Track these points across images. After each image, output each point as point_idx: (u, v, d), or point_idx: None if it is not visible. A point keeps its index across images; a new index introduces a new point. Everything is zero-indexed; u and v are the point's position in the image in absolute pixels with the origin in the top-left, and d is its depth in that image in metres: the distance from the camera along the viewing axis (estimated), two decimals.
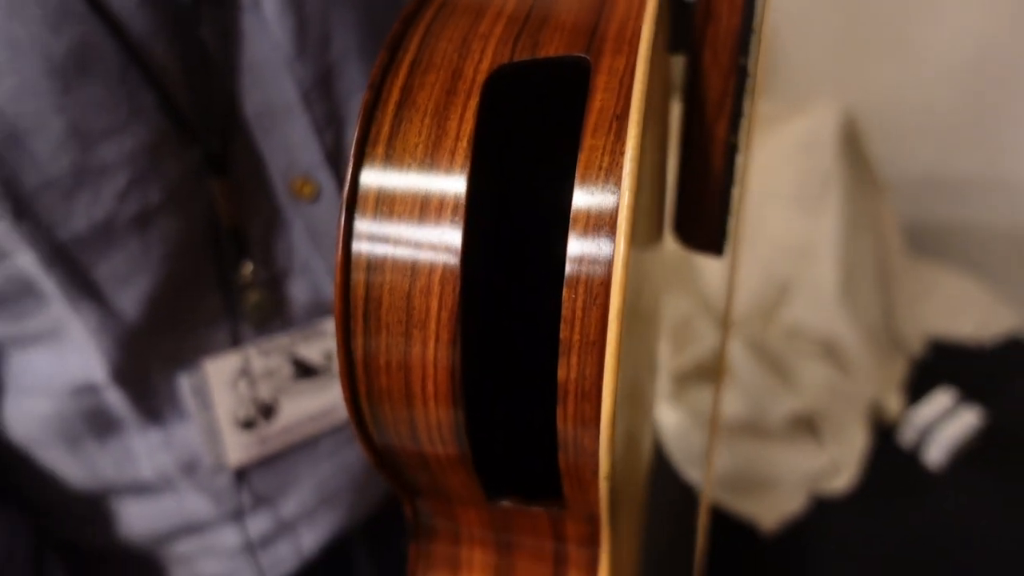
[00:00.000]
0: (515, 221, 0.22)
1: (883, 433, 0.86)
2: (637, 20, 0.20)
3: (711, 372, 0.90)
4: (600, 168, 0.18)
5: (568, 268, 0.17)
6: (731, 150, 0.28)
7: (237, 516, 0.42)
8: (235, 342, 0.38)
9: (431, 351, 0.19)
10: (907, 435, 0.85)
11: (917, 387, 0.91)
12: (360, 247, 0.20)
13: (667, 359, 0.90)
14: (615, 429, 0.18)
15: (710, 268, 1.03)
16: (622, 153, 0.17)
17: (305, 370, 0.41)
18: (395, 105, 0.21)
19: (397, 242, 0.19)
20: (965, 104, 0.98)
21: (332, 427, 0.44)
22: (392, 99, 0.21)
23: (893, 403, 0.88)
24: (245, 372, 0.38)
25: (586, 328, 0.17)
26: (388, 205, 0.20)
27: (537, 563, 0.25)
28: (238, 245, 0.36)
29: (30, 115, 0.29)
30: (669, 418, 0.84)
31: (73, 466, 0.38)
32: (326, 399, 0.42)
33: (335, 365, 0.40)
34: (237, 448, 0.39)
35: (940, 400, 0.87)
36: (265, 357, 0.39)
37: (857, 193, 0.90)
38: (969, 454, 0.84)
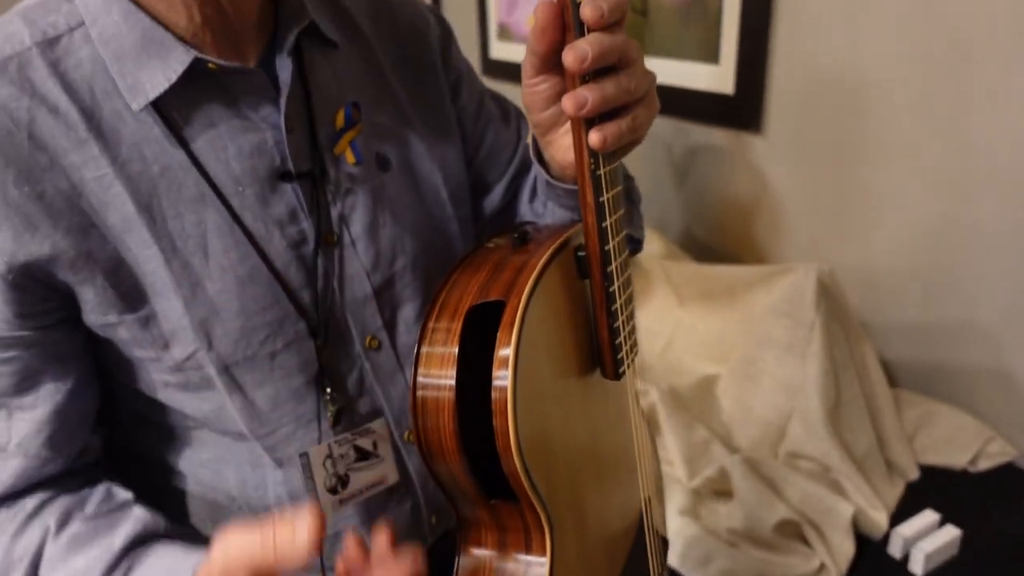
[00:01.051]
0: (482, 364, 0.46)
1: (876, 544, 1.00)
2: (528, 279, 0.45)
3: (722, 492, 1.07)
4: (504, 343, 0.42)
5: (494, 380, 0.41)
6: (612, 328, 0.51)
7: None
8: (321, 438, 0.61)
9: (444, 420, 0.43)
10: (895, 547, 0.98)
11: (910, 505, 1.04)
12: (419, 378, 0.44)
13: (683, 478, 1.08)
14: (520, 450, 0.41)
15: (727, 403, 1.21)
16: (510, 337, 0.41)
17: (363, 454, 0.64)
18: (433, 322, 0.46)
19: (432, 375, 0.44)
20: (934, 263, 1.16)
21: (381, 492, 0.65)
22: (431, 321, 0.46)
23: (883, 519, 1.01)
24: (330, 456, 0.61)
25: (500, 403, 0.41)
26: (428, 361, 0.44)
27: (517, 537, 0.48)
28: (328, 378, 0.60)
29: (223, 302, 0.54)
30: (685, 529, 1.01)
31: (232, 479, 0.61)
32: (375, 473, 0.64)
33: (380, 451, 0.63)
34: (328, 505, 0.61)
35: (927, 517, 1.01)
36: (339, 447, 0.62)
37: (838, 339, 1.09)
38: (950, 567, 0.96)
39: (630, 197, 0.67)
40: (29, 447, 0.54)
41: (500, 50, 2.21)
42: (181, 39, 0.51)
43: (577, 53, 0.44)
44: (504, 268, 0.48)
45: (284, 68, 0.54)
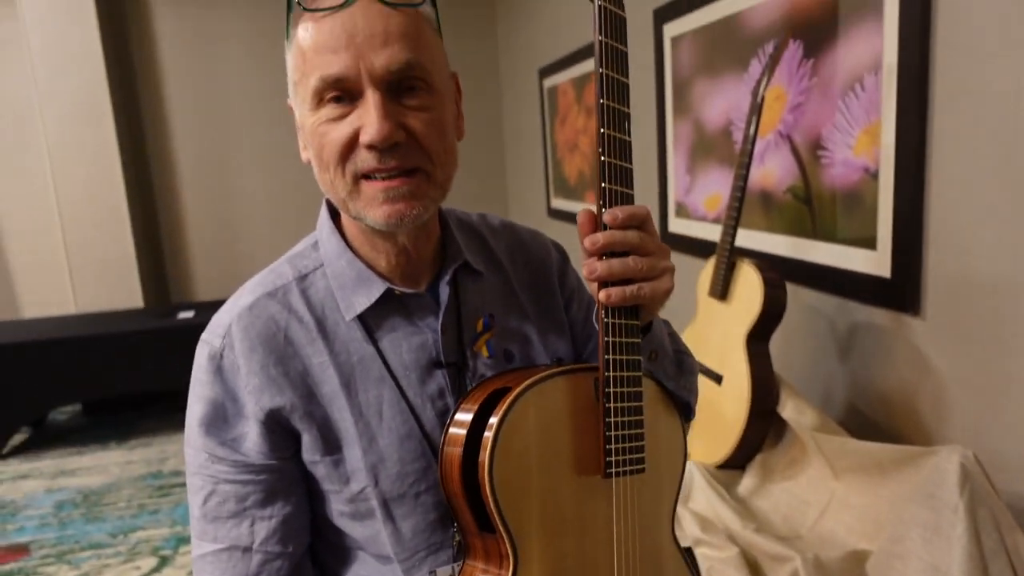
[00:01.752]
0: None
1: None
2: (526, 380, 0.68)
3: None
4: (495, 414, 0.66)
5: (483, 437, 0.67)
6: (606, 436, 0.69)
7: None
8: (448, 562, 0.78)
9: (455, 471, 0.68)
10: None
11: None
12: (445, 439, 0.74)
13: None
14: (493, 491, 0.66)
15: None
16: (500, 410, 0.65)
17: None
18: (464, 402, 0.74)
19: (451, 439, 0.73)
20: None
21: None
22: (463, 401, 0.75)
23: None
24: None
25: (482, 452, 0.67)
26: (452, 426, 0.74)
27: (497, 559, 0.67)
28: (453, 513, 0.78)
29: (388, 453, 0.75)
30: None
31: None
32: None
33: None
34: None
35: None
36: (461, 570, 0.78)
37: (986, 524, 1.09)
38: None
39: (680, 365, 0.83)
40: (266, 546, 0.76)
41: (678, 225, 2.43)
42: (380, 275, 0.77)
43: (591, 240, 0.68)
44: (529, 373, 0.70)
45: (444, 292, 0.80)
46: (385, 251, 0.77)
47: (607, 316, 0.68)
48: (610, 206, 0.68)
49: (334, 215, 0.81)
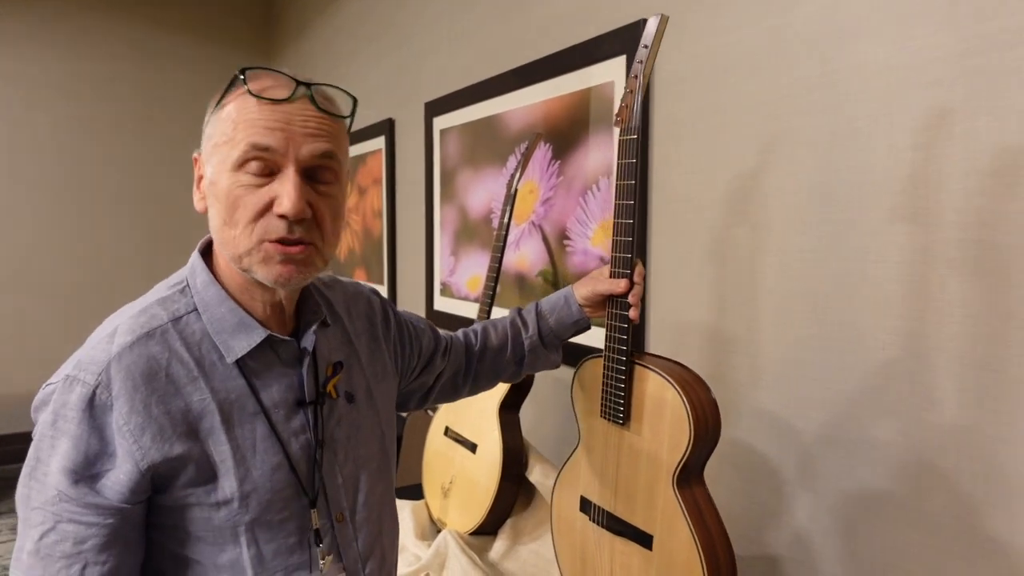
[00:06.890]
0: None
1: None
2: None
3: None
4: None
5: None
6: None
7: None
8: None
9: None
10: None
11: None
12: None
13: None
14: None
15: None
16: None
17: None
18: None
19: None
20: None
21: None
22: None
23: None
24: None
25: None
26: None
27: None
28: (316, 536, 0.85)
29: (261, 483, 0.80)
30: None
31: None
32: None
33: None
34: None
35: None
36: None
37: None
38: None
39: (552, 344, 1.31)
40: None
41: (442, 303, 2.55)
42: (259, 321, 0.85)
43: (636, 313, 1.11)
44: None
45: (310, 340, 0.89)
46: (262, 302, 0.86)
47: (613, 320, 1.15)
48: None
49: (208, 265, 0.87)
